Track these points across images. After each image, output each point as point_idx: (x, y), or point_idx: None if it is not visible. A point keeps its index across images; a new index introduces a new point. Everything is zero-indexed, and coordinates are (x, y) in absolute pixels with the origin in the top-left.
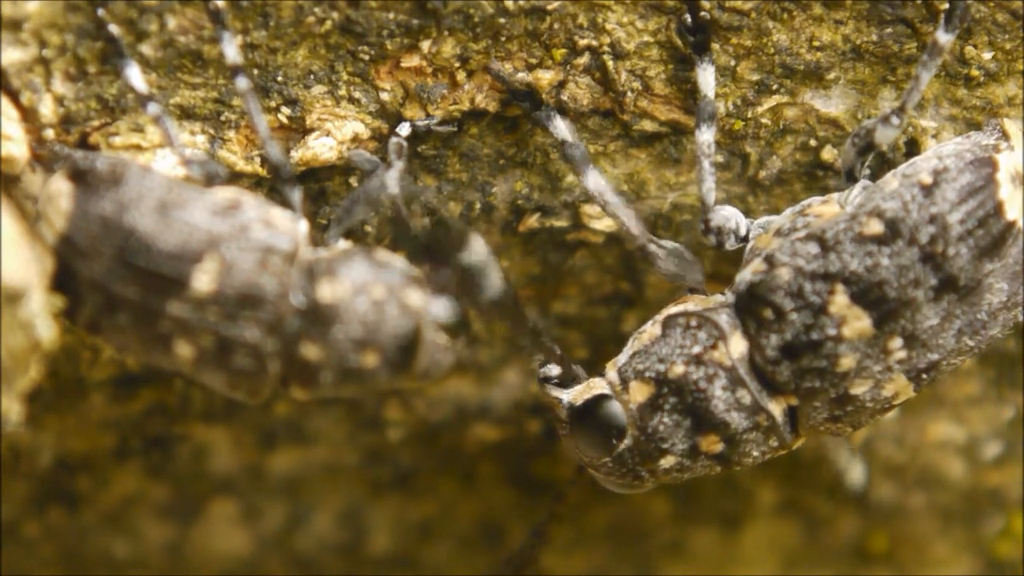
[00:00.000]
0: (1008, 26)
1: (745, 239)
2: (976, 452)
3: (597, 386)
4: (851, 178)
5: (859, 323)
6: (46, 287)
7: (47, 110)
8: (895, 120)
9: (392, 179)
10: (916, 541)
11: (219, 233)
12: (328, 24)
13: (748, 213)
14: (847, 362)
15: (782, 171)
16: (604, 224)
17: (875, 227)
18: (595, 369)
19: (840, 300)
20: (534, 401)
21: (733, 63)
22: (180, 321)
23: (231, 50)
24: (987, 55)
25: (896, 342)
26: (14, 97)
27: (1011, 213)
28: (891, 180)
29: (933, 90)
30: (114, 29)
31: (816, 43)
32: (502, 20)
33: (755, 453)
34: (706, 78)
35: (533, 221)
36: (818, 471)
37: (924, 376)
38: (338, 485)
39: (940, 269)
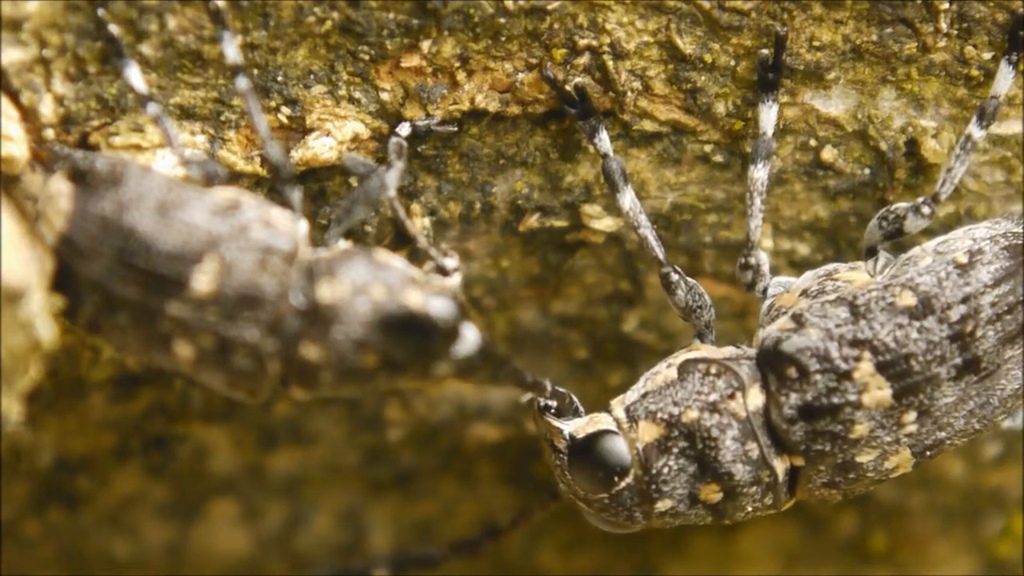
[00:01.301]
0: (1008, 26)
1: (763, 291)
2: (976, 452)
3: (602, 421)
4: (871, 253)
5: (880, 392)
6: (46, 287)
7: (47, 110)
8: (926, 210)
9: (392, 179)
10: (916, 541)
11: (219, 233)
12: (328, 24)
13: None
14: (861, 429)
15: (782, 171)
16: (604, 224)
17: (908, 299)
18: (594, 369)
19: (865, 367)
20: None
21: (733, 63)
22: (180, 321)
23: (231, 50)
24: (987, 55)
25: (911, 415)
26: (14, 97)
27: None
28: (924, 255)
29: (933, 90)
30: (114, 29)
31: (816, 43)
32: (502, 20)
33: (748, 508)
34: (769, 116)
35: (533, 221)
36: None
37: (927, 453)
38: (338, 485)
39: (966, 349)
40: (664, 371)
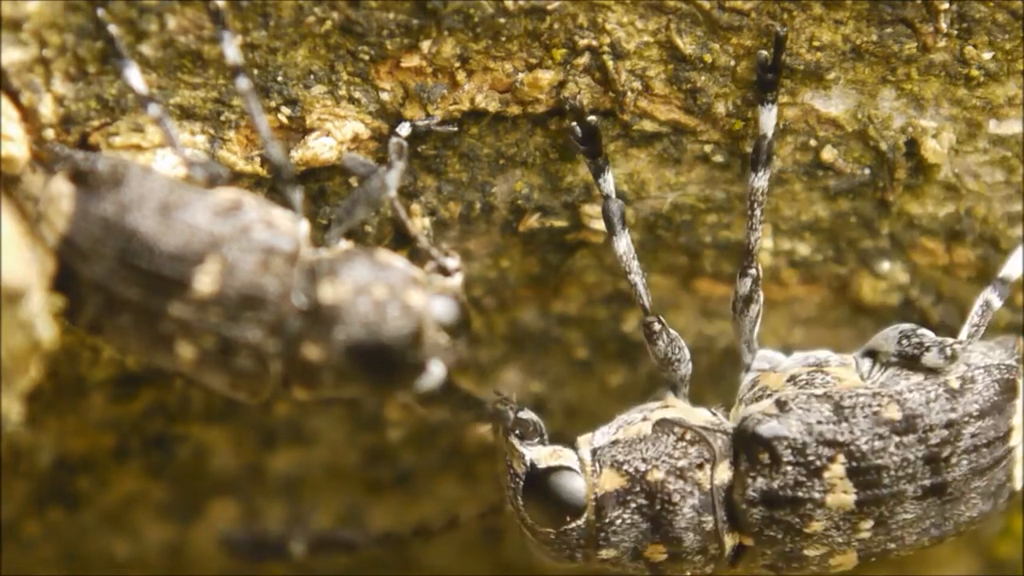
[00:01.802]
0: (1008, 26)
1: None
2: None
3: (565, 457)
4: (870, 355)
5: (845, 496)
6: (46, 287)
7: (47, 110)
8: (949, 352)
9: (392, 180)
10: None
11: (220, 234)
12: (328, 24)
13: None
14: (817, 526)
15: (782, 171)
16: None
17: (893, 412)
18: (594, 369)
19: (837, 469)
20: (534, 400)
21: (733, 63)
22: (182, 322)
23: (231, 50)
24: (987, 55)
25: (867, 523)
26: (14, 97)
27: (1014, 439)
28: (918, 370)
29: (933, 90)
30: (113, 30)
31: (816, 43)
32: (502, 20)
33: (687, 573)
34: (769, 118)
35: (533, 221)
36: None
37: (871, 558)
38: (338, 485)
39: (938, 473)
40: (639, 424)
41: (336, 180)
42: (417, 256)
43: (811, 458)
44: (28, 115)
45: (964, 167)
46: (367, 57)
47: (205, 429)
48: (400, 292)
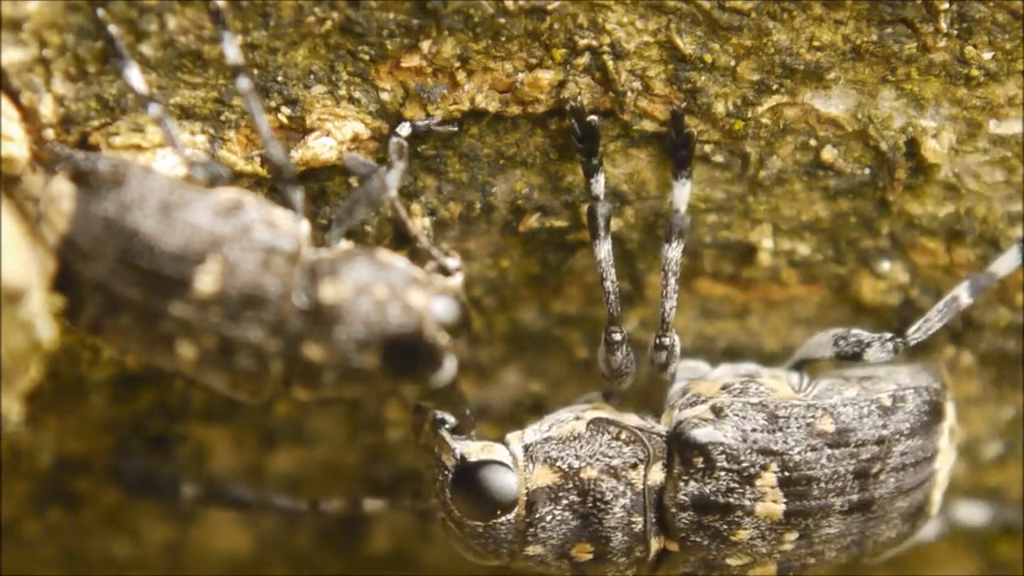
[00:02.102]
0: (1008, 26)
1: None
2: (976, 452)
3: (496, 452)
4: (800, 366)
5: (774, 506)
6: (46, 287)
7: (47, 110)
8: (891, 347)
9: (393, 180)
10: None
11: (221, 234)
12: (328, 24)
13: (748, 213)
14: (743, 535)
15: (782, 171)
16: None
17: (827, 425)
18: (594, 369)
19: (769, 478)
20: (534, 400)
21: (733, 63)
22: (183, 322)
23: (232, 50)
24: (987, 55)
25: (792, 535)
26: (14, 97)
27: (939, 462)
28: (850, 385)
29: (933, 90)
30: (113, 30)
31: (816, 43)
32: (502, 20)
33: (609, 574)
34: (682, 193)
35: (533, 221)
36: None
37: (789, 572)
38: (338, 485)
39: (866, 489)
40: (572, 423)
41: (336, 180)
42: (417, 256)
43: (745, 465)
44: (28, 115)
45: (964, 167)
46: (367, 57)
47: (205, 429)
48: (401, 292)
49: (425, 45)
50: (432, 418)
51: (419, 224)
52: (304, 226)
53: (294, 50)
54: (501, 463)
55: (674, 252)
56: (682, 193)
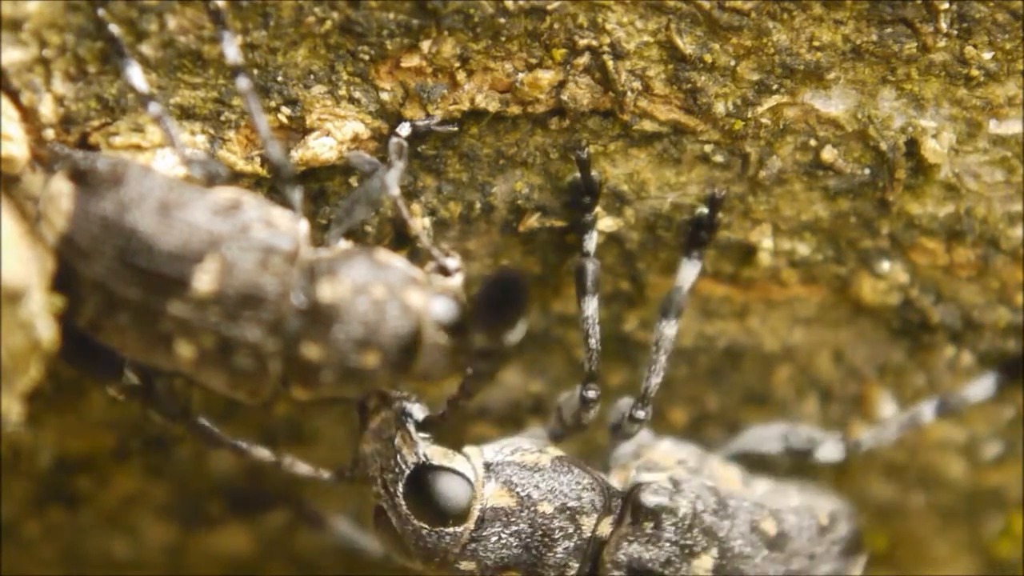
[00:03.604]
0: (1008, 26)
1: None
2: (976, 452)
3: (459, 462)
4: (765, 467)
5: None
6: (46, 287)
7: (47, 110)
8: (842, 447)
9: (393, 180)
10: (916, 541)
11: (220, 233)
12: (328, 24)
13: (748, 213)
14: None
15: (782, 171)
16: (604, 224)
17: (769, 527)
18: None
19: (707, 561)
20: (534, 401)
21: (733, 63)
22: (181, 321)
23: (232, 50)
24: (987, 55)
25: None
26: (14, 97)
27: None
28: (791, 494)
29: (933, 90)
30: (114, 29)
31: (816, 43)
32: (502, 20)
33: None
34: (690, 272)
35: (533, 221)
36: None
37: None
38: (338, 485)
39: None
40: (536, 454)
41: (336, 180)
42: (417, 256)
43: (690, 542)
44: (28, 115)
45: (964, 167)
46: (367, 57)
47: None
48: (399, 292)
49: (425, 45)
50: (399, 409)
51: (419, 224)
52: (303, 226)
53: (294, 50)
54: (463, 475)
55: (670, 330)
56: (690, 272)
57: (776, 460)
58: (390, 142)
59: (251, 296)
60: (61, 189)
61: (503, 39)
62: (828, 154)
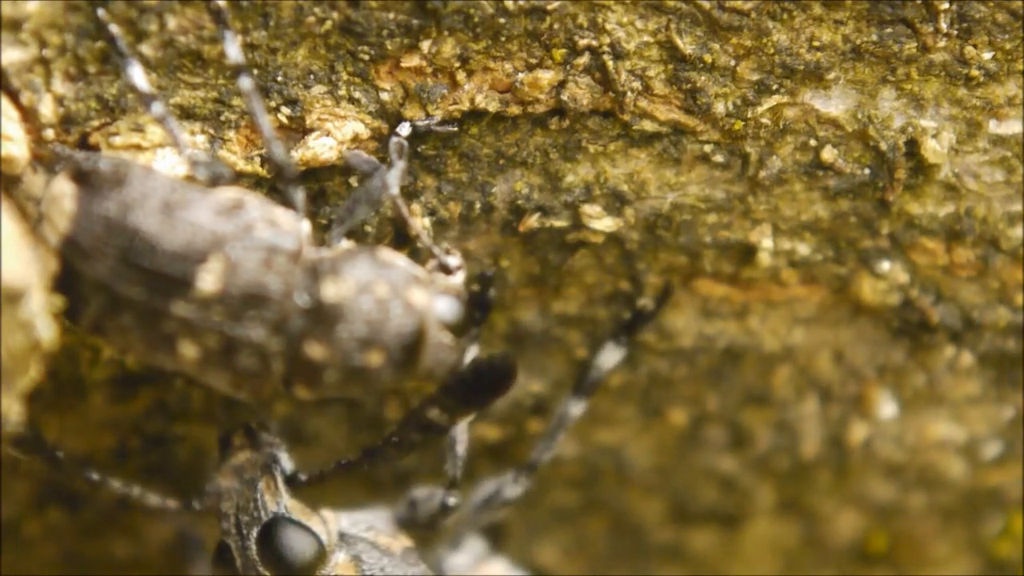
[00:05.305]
0: (1008, 26)
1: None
2: (976, 452)
3: (316, 523)
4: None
5: None
6: (46, 287)
7: (47, 110)
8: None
9: (393, 179)
10: (916, 541)
11: (223, 233)
12: (328, 24)
13: (748, 213)
14: None
15: (782, 171)
16: (604, 224)
17: None
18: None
19: None
20: (534, 401)
21: (733, 63)
22: (185, 321)
23: (233, 50)
24: (987, 55)
25: None
26: (14, 97)
27: None
28: None
29: (933, 90)
30: (115, 29)
31: (816, 43)
32: (502, 20)
33: None
34: (613, 356)
35: (533, 221)
36: (818, 471)
37: None
38: (338, 485)
39: None
40: (389, 539)
41: (336, 180)
42: (418, 255)
43: None
44: (28, 115)
45: (964, 167)
46: (367, 57)
47: (205, 429)
48: (402, 290)
49: (425, 45)
50: (269, 455)
51: (419, 223)
52: (306, 225)
53: (294, 50)
54: (318, 537)
55: (577, 409)
56: (613, 356)
57: None
58: (390, 142)
59: (255, 296)
60: (63, 190)
61: (503, 39)
62: (828, 154)
